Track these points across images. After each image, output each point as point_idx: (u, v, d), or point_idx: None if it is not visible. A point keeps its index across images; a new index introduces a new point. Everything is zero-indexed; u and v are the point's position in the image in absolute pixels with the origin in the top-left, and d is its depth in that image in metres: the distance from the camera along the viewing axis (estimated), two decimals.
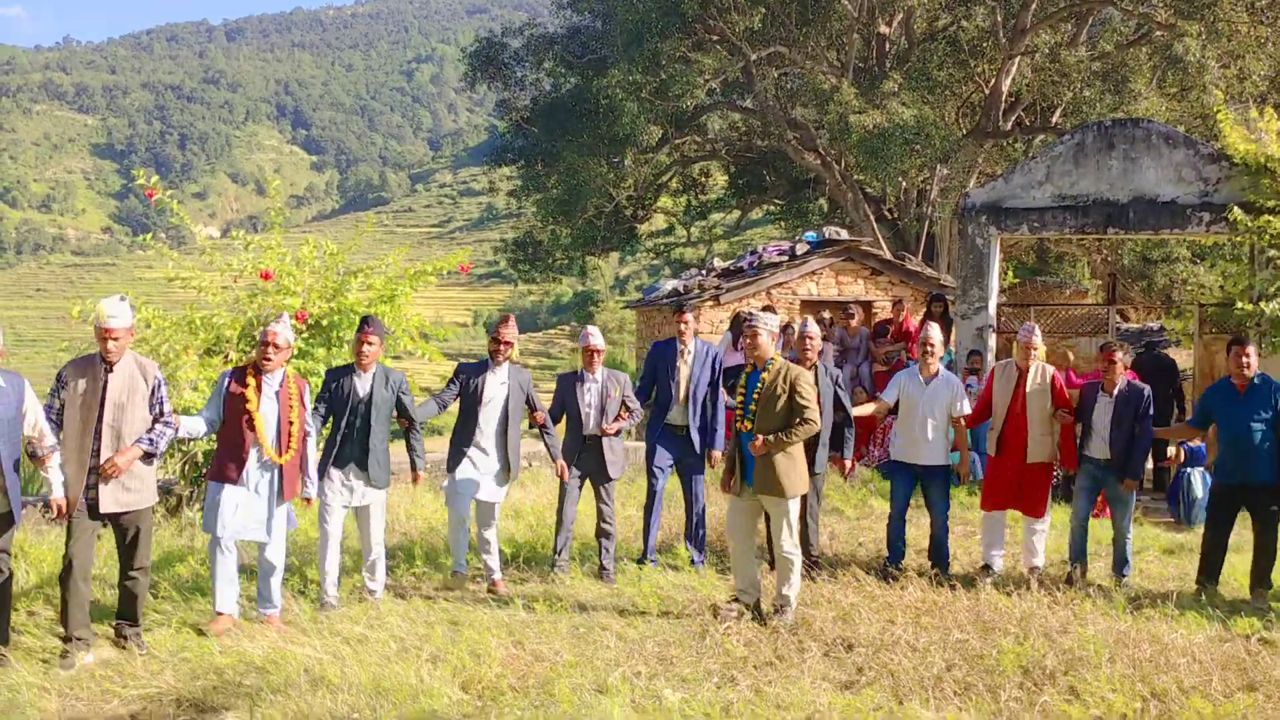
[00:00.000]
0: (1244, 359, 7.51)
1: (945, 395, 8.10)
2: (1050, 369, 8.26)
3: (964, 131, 23.90)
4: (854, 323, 13.66)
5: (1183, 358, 17.43)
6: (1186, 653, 5.85)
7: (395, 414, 7.30)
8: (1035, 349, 8.11)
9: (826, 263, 17.33)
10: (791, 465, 6.68)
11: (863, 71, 24.52)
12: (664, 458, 8.28)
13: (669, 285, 18.87)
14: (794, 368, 6.78)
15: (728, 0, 22.61)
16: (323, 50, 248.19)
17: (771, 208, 33.44)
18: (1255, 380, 7.54)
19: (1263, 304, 11.22)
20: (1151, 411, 7.98)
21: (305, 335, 9.80)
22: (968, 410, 8.28)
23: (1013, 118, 25.00)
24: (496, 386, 7.70)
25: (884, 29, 24.93)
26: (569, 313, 68.99)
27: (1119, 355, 7.96)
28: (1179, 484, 10.67)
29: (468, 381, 7.74)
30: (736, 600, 6.84)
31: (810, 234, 18.23)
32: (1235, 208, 11.16)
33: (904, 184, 24.48)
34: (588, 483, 8.12)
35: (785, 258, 17.43)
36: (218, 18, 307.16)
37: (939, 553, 8.11)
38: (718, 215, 33.60)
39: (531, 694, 5.17)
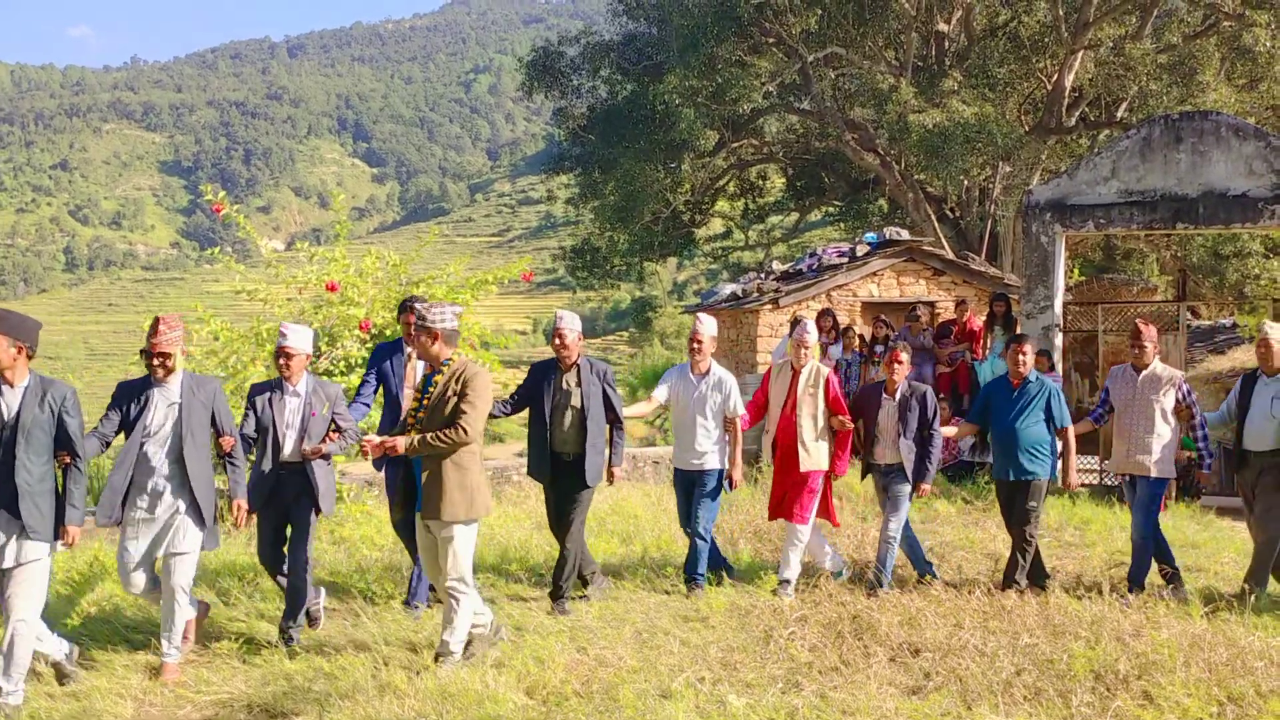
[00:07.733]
0: (1021, 356, 7.63)
1: (716, 396, 7.50)
2: (827, 370, 7.68)
3: (1026, 128, 23.54)
4: (921, 323, 13.51)
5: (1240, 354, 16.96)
6: (1264, 656, 5.71)
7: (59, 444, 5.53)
8: (808, 347, 7.61)
9: (887, 264, 17.17)
10: (461, 483, 5.67)
11: (922, 70, 24.28)
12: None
13: (728, 289, 18.83)
14: (472, 367, 5.76)
15: (783, 2, 22.49)
16: (382, 64, 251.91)
17: (830, 209, 33.24)
18: (1029, 379, 7.62)
19: None
20: (938, 413, 7.69)
21: (370, 346, 9.93)
22: (742, 410, 7.66)
23: (1076, 113, 24.59)
24: (165, 408, 5.96)
25: (943, 26, 24.67)
26: (628, 319, 69.07)
27: (904, 356, 7.64)
28: None
29: (127, 406, 5.99)
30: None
31: (870, 235, 18.08)
32: None
33: (966, 183, 24.18)
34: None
35: (845, 259, 17.29)
36: (280, 35, 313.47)
37: (700, 559, 7.51)
38: (776, 218, 33.44)
39: (595, 699, 5.16)
